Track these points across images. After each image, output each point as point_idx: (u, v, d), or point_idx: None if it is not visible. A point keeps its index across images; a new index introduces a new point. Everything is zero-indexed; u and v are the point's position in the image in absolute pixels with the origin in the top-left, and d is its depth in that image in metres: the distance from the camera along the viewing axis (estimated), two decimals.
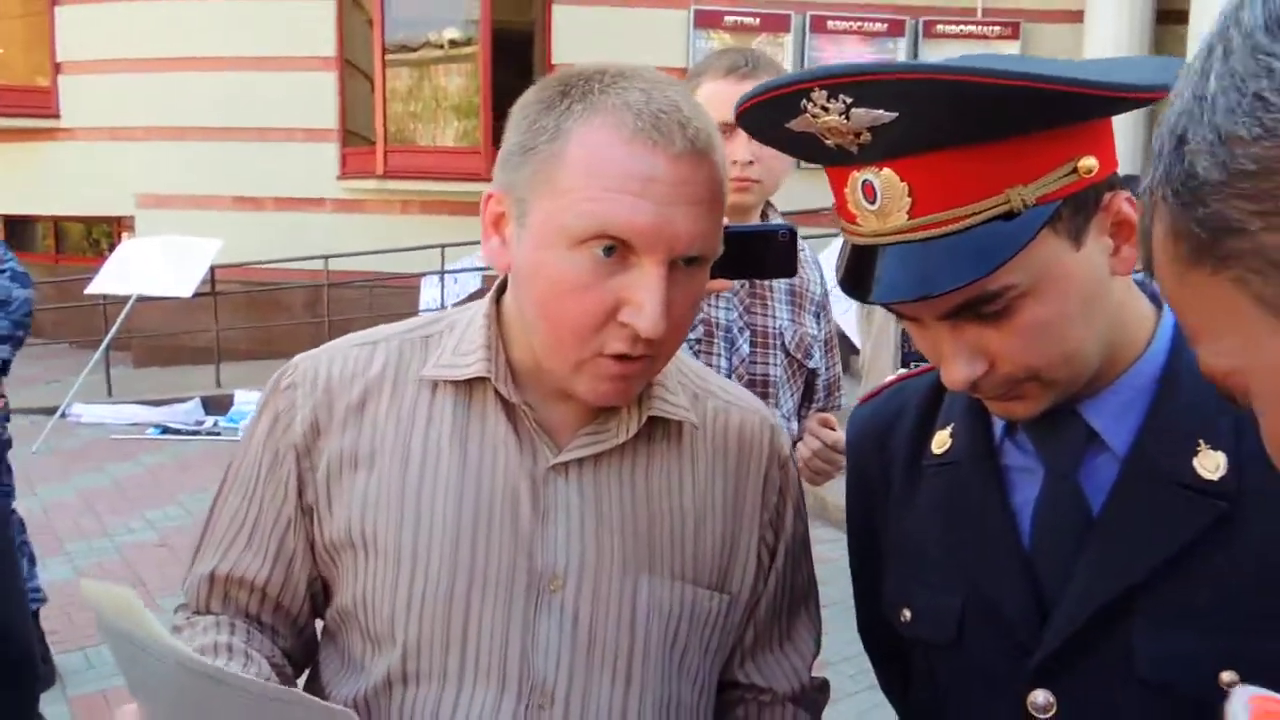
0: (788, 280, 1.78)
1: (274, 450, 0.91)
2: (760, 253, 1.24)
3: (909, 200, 0.71)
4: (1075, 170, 0.70)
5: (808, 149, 0.75)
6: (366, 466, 0.88)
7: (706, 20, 8.64)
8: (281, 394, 0.92)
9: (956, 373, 0.76)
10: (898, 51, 8.59)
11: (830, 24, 8.66)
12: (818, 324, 1.82)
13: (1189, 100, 0.39)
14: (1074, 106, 0.68)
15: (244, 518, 0.92)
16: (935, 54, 8.36)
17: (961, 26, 8.68)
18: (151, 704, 0.73)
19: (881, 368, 3.74)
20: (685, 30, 8.55)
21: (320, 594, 0.94)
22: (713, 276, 0.90)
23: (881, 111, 0.68)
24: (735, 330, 1.72)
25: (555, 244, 0.80)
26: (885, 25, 8.67)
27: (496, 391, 0.89)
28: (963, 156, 0.69)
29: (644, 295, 0.78)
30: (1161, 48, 7.56)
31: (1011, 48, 8.55)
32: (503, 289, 0.93)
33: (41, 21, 9.80)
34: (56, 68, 9.77)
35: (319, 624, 0.97)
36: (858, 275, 0.76)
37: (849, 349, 6.31)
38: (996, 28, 8.67)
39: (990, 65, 0.66)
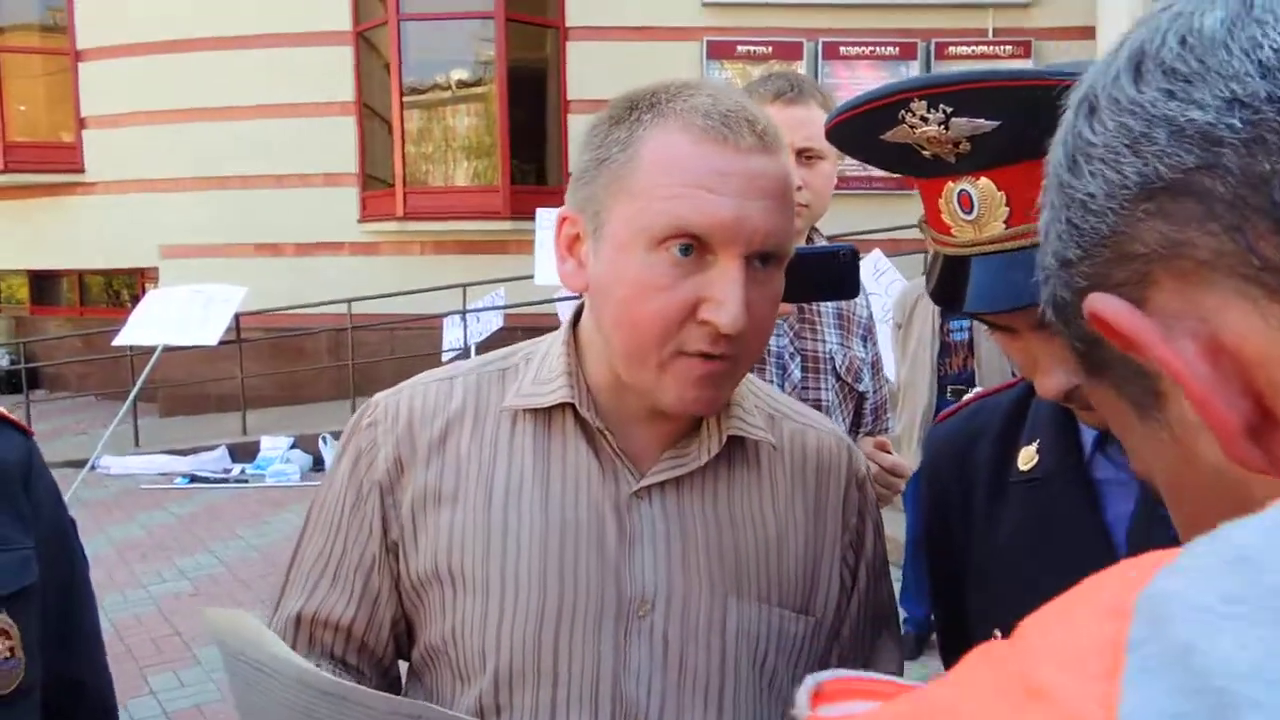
0: (835, 305, 1.77)
1: (357, 488, 0.90)
2: (822, 274, 1.21)
3: (1006, 210, 0.71)
4: None
5: (901, 160, 0.75)
6: (451, 501, 0.88)
7: (719, 51, 8.71)
8: (363, 432, 0.91)
9: (1053, 382, 0.75)
10: (910, 74, 8.61)
11: (843, 49, 8.70)
12: (865, 347, 1.83)
13: (1041, 231, 0.45)
14: None
15: (328, 557, 0.91)
16: None
17: (973, 47, 8.71)
18: None
19: (917, 393, 3.71)
20: (699, 61, 8.62)
21: (404, 634, 0.92)
22: None
23: (983, 121, 0.68)
24: (786, 356, 1.71)
25: (634, 247, 0.80)
26: (897, 49, 8.71)
27: (577, 419, 0.89)
28: None
29: (723, 291, 0.78)
30: None
31: (1024, 66, 8.57)
32: (577, 319, 0.93)
33: (65, 79, 10.00)
34: (80, 123, 9.95)
35: (403, 666, 0.96)
36: (951, 287, 0.76)
37: None
38: (1008, 47, 8.69)
39: None
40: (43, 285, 11.57)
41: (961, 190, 0.72)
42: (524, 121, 8.97)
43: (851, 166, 8.03)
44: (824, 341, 1.75)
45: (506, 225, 8.65)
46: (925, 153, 0.72)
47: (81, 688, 1.03)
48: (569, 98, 8.85)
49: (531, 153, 9.18)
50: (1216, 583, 0.27)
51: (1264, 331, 0.35)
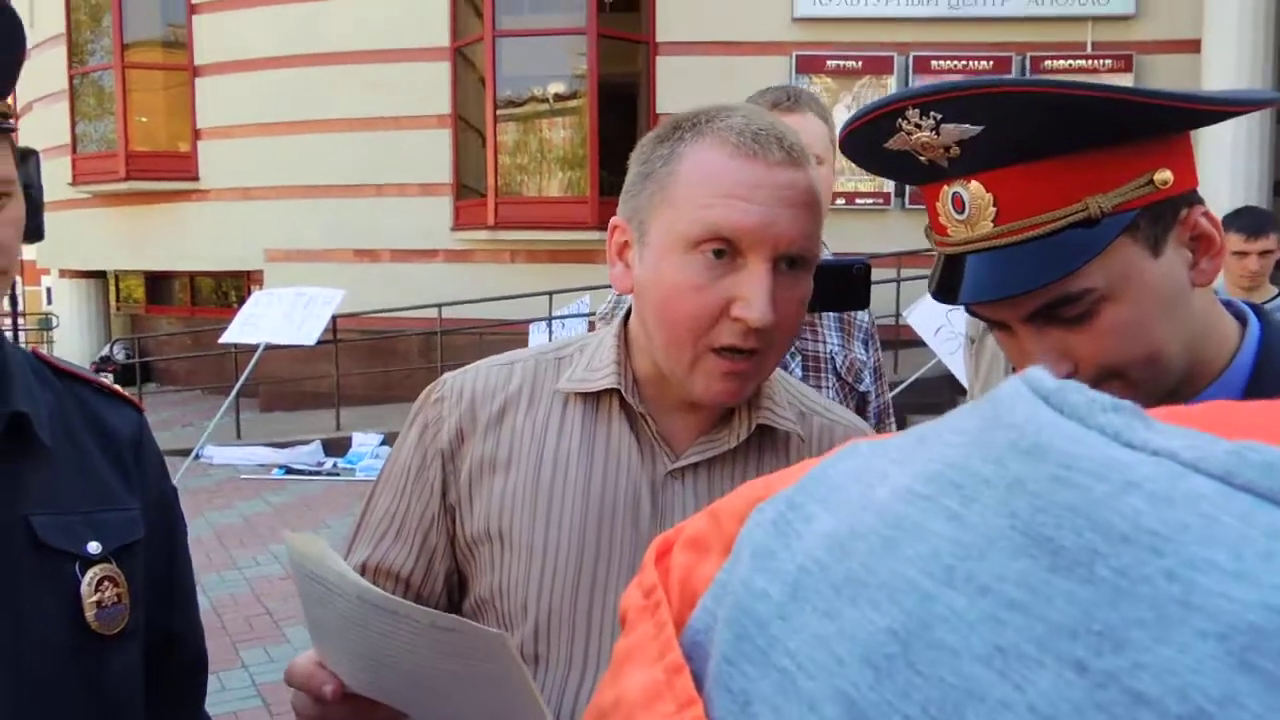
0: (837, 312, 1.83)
1: (422, 455, 1.00)
2: (836, 286, 1.27)
3: (994, 210, 0.77)
4: (1151, 182, 0.75)
5: (904, 168, 0.82)
6: (504, 470, 0.97)
7: (809, 65, 8.72)
8: (431, 406, 1.01)
9: None
10: None
11: (934, 64, 8.62)
12: (866, 351, 1.89)
13: None
14: (1145, 117, 0.73)
15: (393, 515, 1.00)
16: None
17: (1070, 61, 8.51)
18: (329, 644, 0.81)
19: None
20: (788, 76, 8.63)
21: (456, 588, 1.02)
22: None
23: (968, 125, 0.74)
24: (787, 356, 1.78)
25: (673, 251, 0.89)
26: (990, 63, 8.59)
27: (622, 404, 0.97)
28: (1043, 168, 0.75)
29: (752, 289, 0.86)
30: None
31: (1124, 81, 8.33)
32: (628, 316, 1.02)
33: (184, 92, 10.55)
34: (196, 134, 10.49)
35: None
36: (949, 282, 0.83)
37: (956, 390, 6.20)
38: (1108, 61, 8.47)
39: (1069, 80, 0.73)
40: (158, 285, 12.21)
41: (954, 193, 0.79)
42: (613, 134, 9.12)
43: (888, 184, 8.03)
44: (824, 343, 1.82)
45: (594, 235, 8.81)
46: (922, 159, 0.79)
47: (180, 637, 1.12)
48: (658, 111, 8.97)
49: (620, 164, 9.13)
50: None
51: None
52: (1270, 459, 0.20)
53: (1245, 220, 3.59)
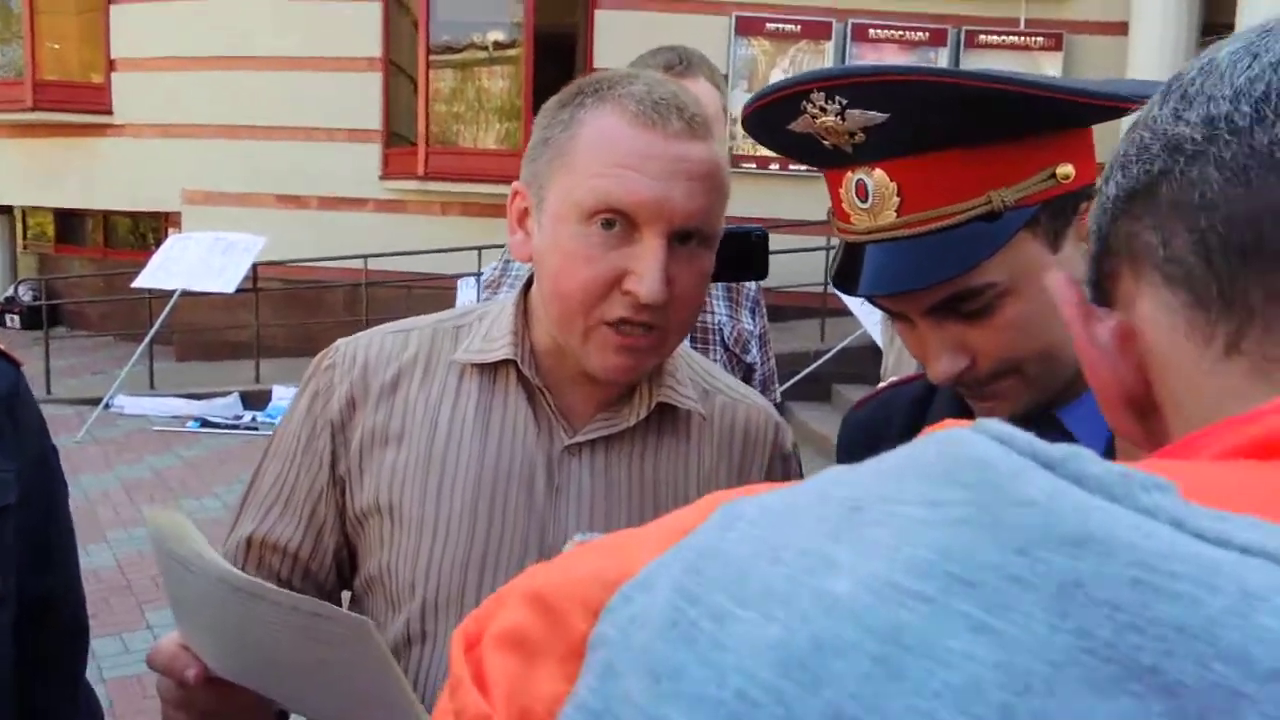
0: None
1: (312, 424, 0.96)
2: (734, 255, 1.26)
3: (898, 199, 0.76)
4: (1054, 176, 0.75)
5: (808, 151, 0.80)
6: (396, 441, 0.94)
7: (748, 27, 8.66)
8: (322, 374, 0.98)
9: (940, 367, 0.79)
10: (938, 61, 8.54)
11: (872, 32, 8.63)
12: (753, 320, 1.88)
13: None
14: (1049, 110, 0.73)
15: (281, 486, 0.97)
16: (977, 64, 8.30)
17: (1004, 37, 8.61)
18: (192, 626, 0.78)
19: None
20: (727, 37, 8.58)
21: (346, 563, 0.99)
22: None
23: (874, 112, 0.73)
24: None
25: (567, 220, 0.87)
26: (927, 35, 8.63)
27: (519, 376, 0.95)
28: (948, 159, 0.74)
29: (643, 264, 0.84)
30: None
31: (1054, 60, 8.47)
32: (529, 285, 0.99)
33: (97, 19, 10.03)
34: (111, 65, 10.00)
35: (346, 596, 1.02)
36: (848, 270, 0.81)
37: (878, 357, 6.31)
38: (1039, 39, 8.59)
39: (976, 71, 0.72)
40: (69, 224, 11.68)
41: (858, 180, 0.77)
42: (550, 87, 8.82)
43: None
44: (713, 314, 1.79)
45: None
46: (826, 143, 0.77)
47: (56, 602, 1.09)
48: (595, 66, 8.83)
49: None
50: None
51: (1162, 321, 0.38)
52: None
53: None
